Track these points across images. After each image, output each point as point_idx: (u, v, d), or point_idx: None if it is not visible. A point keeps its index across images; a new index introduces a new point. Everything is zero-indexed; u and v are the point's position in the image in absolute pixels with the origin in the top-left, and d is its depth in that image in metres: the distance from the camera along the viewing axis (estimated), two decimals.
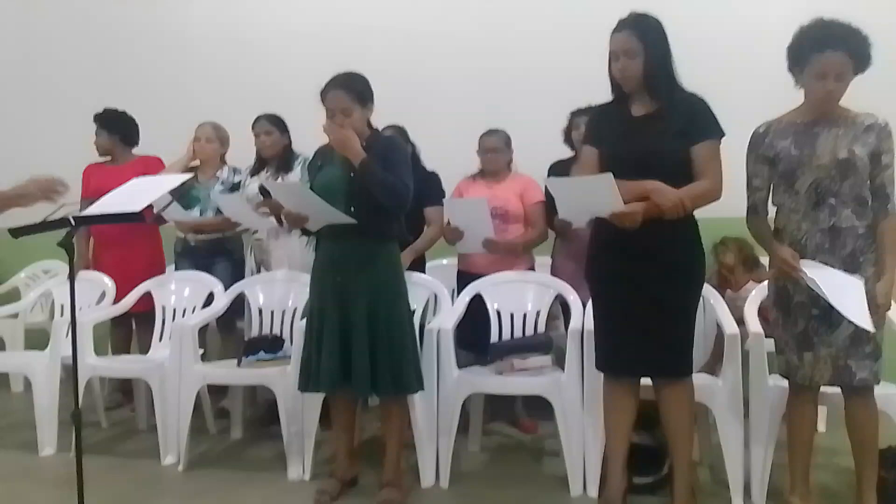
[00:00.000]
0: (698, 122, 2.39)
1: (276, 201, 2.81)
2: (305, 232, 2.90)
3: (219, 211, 3.74)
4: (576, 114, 3.46)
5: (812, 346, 2.42)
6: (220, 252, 3.84)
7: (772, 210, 2.53)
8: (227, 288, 3.62)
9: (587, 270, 2.63)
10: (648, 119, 2.43)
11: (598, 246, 2.57)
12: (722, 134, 2.42)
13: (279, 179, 3.60)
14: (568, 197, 2.47)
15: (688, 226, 2.46)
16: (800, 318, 2.44)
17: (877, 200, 2.39)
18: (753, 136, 2.51)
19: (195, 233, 3.84)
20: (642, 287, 2.43)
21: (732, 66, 3.95)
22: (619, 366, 2.55)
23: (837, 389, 2.48)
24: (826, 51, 2.28)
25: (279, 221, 3.45)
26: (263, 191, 3.24)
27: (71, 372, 2.44)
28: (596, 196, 2.31)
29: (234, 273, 3.81)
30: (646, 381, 2.58)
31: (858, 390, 2.42)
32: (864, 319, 2.26)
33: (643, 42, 2.37)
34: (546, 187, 3.23)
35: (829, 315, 2.38)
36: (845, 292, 2.29)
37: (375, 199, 2.66)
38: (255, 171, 3.77)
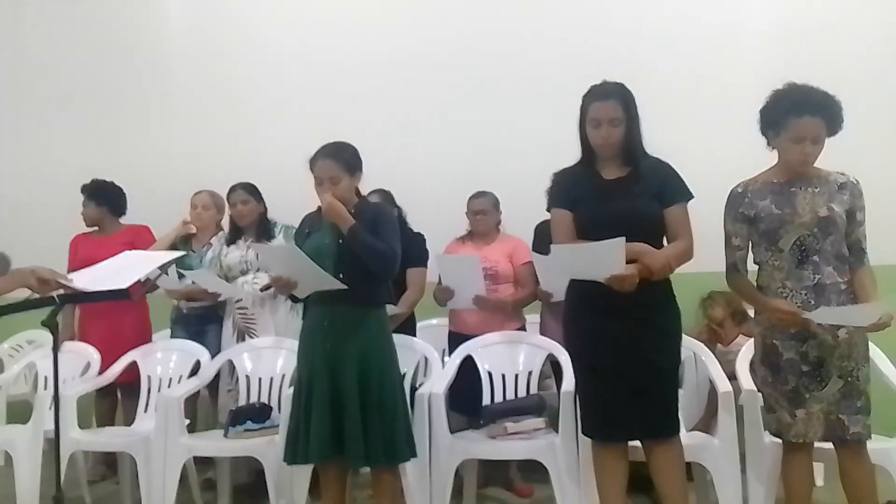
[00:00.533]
0: (670, 185, 2.49)
1: (282, 280, 2.76)
2: (293, 298, 2.88)
3: None
4: (558, 175, 3.50)
5: (804, 403, 2.42)
6: (213, 319, 3.80)
7: (752, 268, 2.56)
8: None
9: (566, 333, 2.65)
10: (622, 182, 2.50)
11: (575, 307, 2.58)
12: (691, 196, 2.51)
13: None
14: (567, 263, 2.47)
15: (666, 285, 2.51)
16: (790, 376, 2.44)
17: (853, 255, 2.46)
18: (731, 195, 2.56)
19: (187, 300, 3.82)
20: (632, 349, 2.43)
21: (702, 128, 4.05)
22: (610, 430, 2.53)
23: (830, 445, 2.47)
24: (804, 116, 2.36)
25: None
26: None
27: (54, 445, 2.37)
28: (601, 260, 2.33)
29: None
30: (634, 442, 2.55)
31: (851, 445, 2.41)
32: (873, 313, 2.30)
33: (626, 111, 2.46)
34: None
35: (818, 371, 2.40)
36: (850, 314, 2.36)
37: (364, 264, 2.66)
38: (231, 241, 3.76)
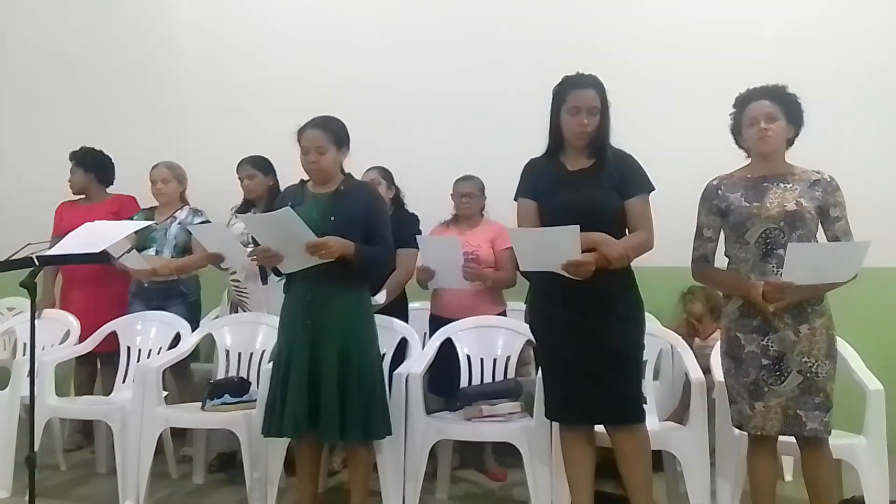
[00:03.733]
0: (632, 177, 2.54)
1: (267, 251, 2.75)
2: (276, 272, 2.88)
3: (176, 252, 3.71)
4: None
5: (763, 396, 2.45)
6: (175, 294, 3.76)
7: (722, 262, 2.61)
8: None
9: (530, 321, 2.70)
10: (585, 174, 2.54)
11: (539, 296, 2.63)
12: (652, 188, 2.56)
13: None
14: (528, 247, 2.50)
15: (628, 275, 2.56)
16: (751, 368, 2.48)
17: None
18: (706, 188, 2.61)
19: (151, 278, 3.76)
20: (591, 336, 2.48)
21: (691, 126, 4.05)
22: (572, 414, 2.57)
23: (786, 439, 2.50)
24: (753, 102, 2.50)
25: (262, 270, 3.43)
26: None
27: (29, 410, 2.38)
28: (556, 247, 2.37)
29: (188, 315, 3.71)
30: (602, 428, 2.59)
31: (810, 441, 2.45)
32: (853, 256, 2.30)
33: (602, 102, 2.50)
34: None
35: (778, 365, 2.43)
36: (829, 263, 2.32)
37: (349, 239, 2.68)
38: (241, 211, 3.73)
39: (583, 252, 2.38)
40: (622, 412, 2.51)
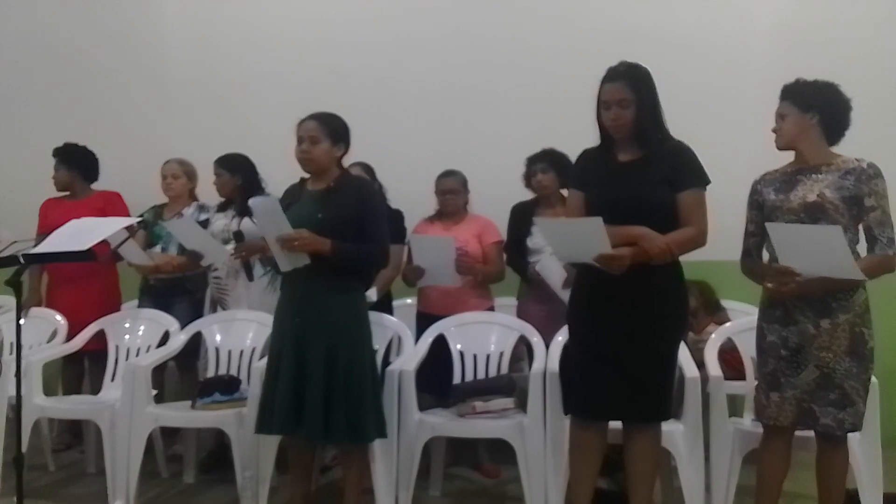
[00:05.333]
0: (684, 169, 2.43)
1: (253, 244, 2.73)
2: (276, 269, 2.87)
3: (182, 250, 3.68)
4: (532, 160, 3.51)
5: (779, 387, 2.44)
6: (180, 292, 3.75)
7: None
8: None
9: (569, 312, 2.63)
10: (635, 165, 2.46)
11: (581, 290, 2.56)
12: (707, 182, 2.46)
13: (241, 221, 3.54)
14: (556, 238, 2.48)
15: (673, 272, 2.48)
16: (770, 359, 2.48)
17: (868, 242, 2.41)
18: (753, 184, 2.61)
19: (153, 274, 3.76)
20: (626, 332, 2.42)
21: (721, 114, 3.99)
22: (594, 409, 2.52)
23: (807, 433, 2.50)
24: (779, 103, 2.51)
25: (247, 267, 3.41)
26: (239, 236, 3.20)
27: (16, 409, 2.34)
28: (584, 239, 2.32)
29: (193, 312, 3.72)
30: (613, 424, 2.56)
31: (826, 437, 2.44)
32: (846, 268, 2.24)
33: (635, 92, 2.41)
34: (534, 228, 3.29)
35: (796, 357, 2.42)
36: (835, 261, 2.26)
37: (341, 239, 2.65)
38: (220, 209, 3.72)
39: (624, 246, 2.32)
40: (647, 411, 2.47)
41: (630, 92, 2.41)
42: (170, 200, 3.87)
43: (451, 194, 3.57)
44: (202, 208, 3.83)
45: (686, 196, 2.42)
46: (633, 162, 2.47)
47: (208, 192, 3.88)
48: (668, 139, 2.49)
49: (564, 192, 3.27)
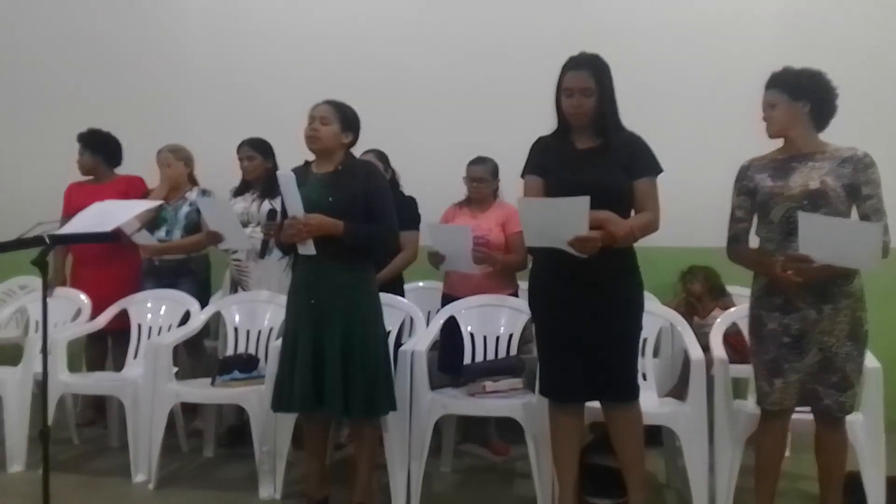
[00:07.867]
0: (640, 158, 2.54)
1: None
2: (282, 249, 2.94)
3: (186, 232, 3.76)
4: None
5: (782, 373, 2.47)
6: (185, 272, 3.83)
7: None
8: None
9: (531, 297, 2.70)
10: (593, 153, 2.54)
11: (540, 273, 2.65)
12: (660, 170, 2.56)
13: (264, 203, 3.61)
14: (537, 220, 2.49)
15: (629, 255, 2.58)
16: (770, 346, 2.49)
17: None
18: (739, 170, 2.63)
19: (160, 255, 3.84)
20: (591, 315, 2.50)
21: (726, 102, 3.98)
22: (567, 391, 2.61)
23: (806, 416, 2.54)
24: (765, 91, 2.53)
25: (267, 245, 3.47)
26: (273, 214, 3.27)
27: (42, 384, 2.43)
28: (565, 219, 2.36)
29: (198, 293, 3.79)
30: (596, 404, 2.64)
31: (825, 417, 2.48)
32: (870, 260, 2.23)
33: (598, 82, 2.49)
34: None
35: (799, 342, 2.45)
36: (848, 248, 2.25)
37: (351, 221, 2.71)
38: (238, 192, 3.79)
39: (591, 229, 2.38)
40: (618, 390, 2.56)
41: (593, 81, 2.48)
42: (169, 186, 3.91)
43: (478, 182, 3.56)
44: (205, 192, 3.90)
45: (642, 183, 2.52)
46: (593, 149, 2.55)
47: (212, 176, 3.96)
48: (623, 129, 2.57)
49: None
